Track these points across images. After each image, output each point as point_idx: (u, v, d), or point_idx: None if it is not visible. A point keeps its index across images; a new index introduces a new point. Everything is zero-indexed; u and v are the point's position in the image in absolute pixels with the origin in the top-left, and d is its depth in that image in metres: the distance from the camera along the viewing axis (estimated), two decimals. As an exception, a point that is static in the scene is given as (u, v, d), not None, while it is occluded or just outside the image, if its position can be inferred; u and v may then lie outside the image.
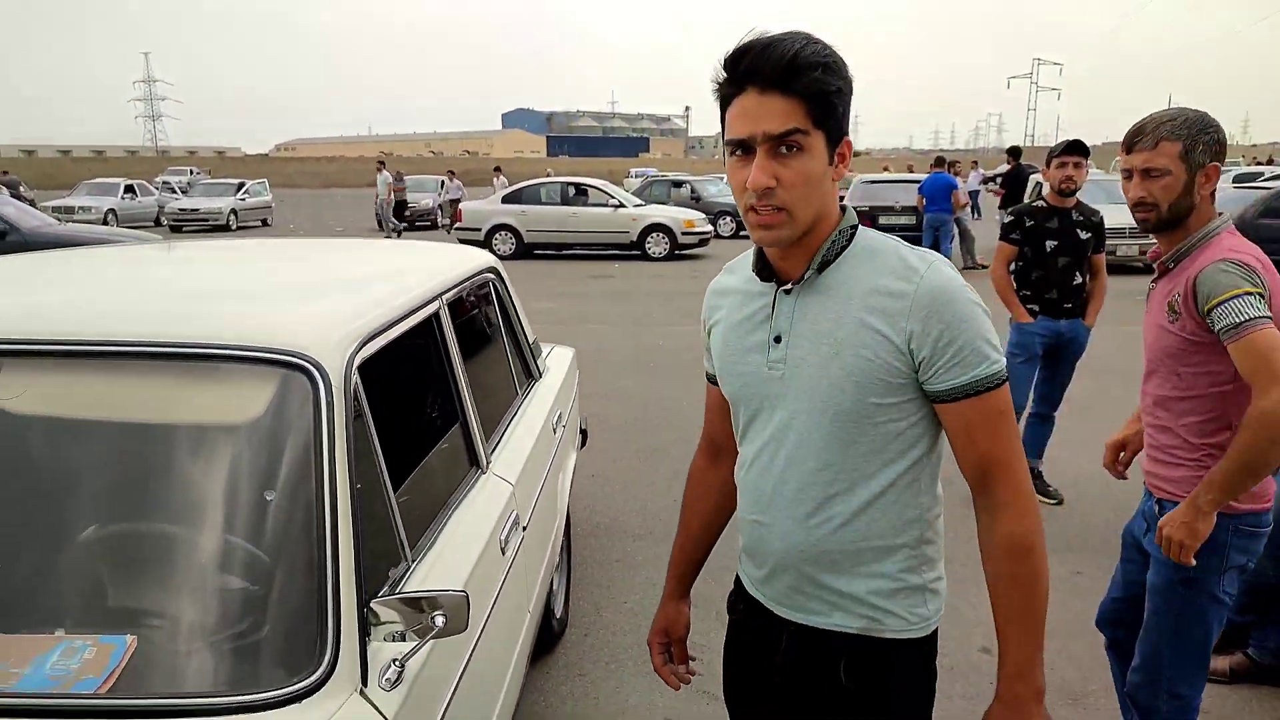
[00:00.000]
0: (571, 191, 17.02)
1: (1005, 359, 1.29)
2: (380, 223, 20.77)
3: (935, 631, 1.38)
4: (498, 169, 23.63)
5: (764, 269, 1.34)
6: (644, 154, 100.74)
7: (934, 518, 1.36)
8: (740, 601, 1.52)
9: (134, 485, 1.48)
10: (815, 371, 1.27)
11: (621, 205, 16.76)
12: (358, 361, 1.58)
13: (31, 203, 14.54)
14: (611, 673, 3.07)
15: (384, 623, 1.39)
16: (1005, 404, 1.26)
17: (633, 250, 16.59)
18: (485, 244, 16.06)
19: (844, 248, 1.29)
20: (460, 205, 17.69)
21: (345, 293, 1.95)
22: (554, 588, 3.05)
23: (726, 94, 1.23)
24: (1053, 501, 4.55)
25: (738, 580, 1.53)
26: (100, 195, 23.66)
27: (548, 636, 3.13)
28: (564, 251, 17.00)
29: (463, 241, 15.92)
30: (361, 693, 1.32)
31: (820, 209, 1.25)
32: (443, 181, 24.40)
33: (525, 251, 16.50)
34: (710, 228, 17.44)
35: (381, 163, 21.18)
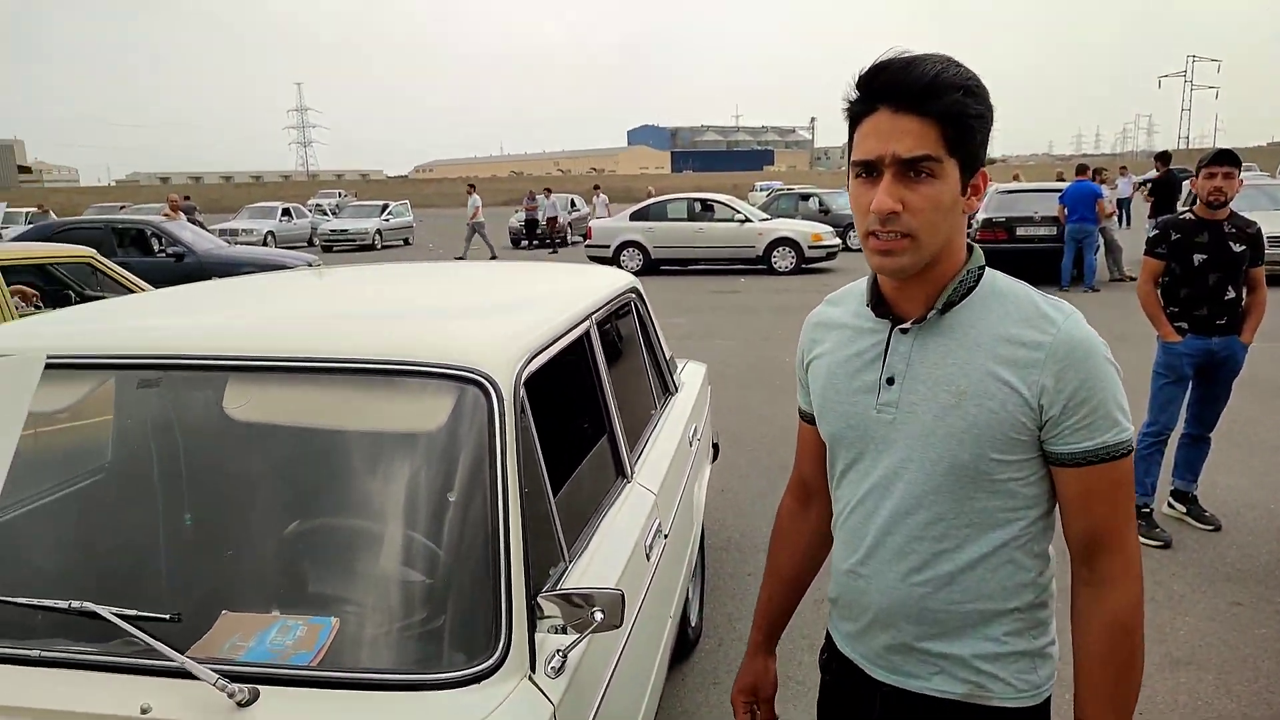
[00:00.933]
0: (698, 207, 17.16)
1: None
2: (517, 241, 21.45)
3: (1048, 700, 1.28)
4: (596, 187, 24.39)
5: (879, 304, 1.25)
6: (768, 167, 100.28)
7: (1047, 580, 1.26)
8: (833, 660, 1.42)
9: (335, 486, 1.68)
10: (932, 420, 1.19)
11: (747, 220, 16.79)
12: (524, 377, 1.73)
13: (202, 225, 15.91)
14: (745, 682, 3.13)
15: (547, 616, 1.52)
16: (1128, 474, 1.18)
17: (758, 264, 16.59)
18: (613, 260, 16.42)
19: (971, 288, 1.20)
20: (590, 223, 18.18)
21: (510, 313, 2.12)
22: (689, 596, 3.15)
23: (857, 111, 1.15)
24: (1209, 528, 4.33)
25: (829, 636, 1.44)
26: (261, 218, 25.51)
27: (684, 644, 3.23)
28: (690, 267, 17.17)
29: (592, 259, 16.33)
30: (530, 678, 1.45)
31: (947, 241, 1.16)
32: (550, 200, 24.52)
33: (652, 267, 16.75)
34: (838, 241, 17.24)
35: (471, 185, 22.20)
